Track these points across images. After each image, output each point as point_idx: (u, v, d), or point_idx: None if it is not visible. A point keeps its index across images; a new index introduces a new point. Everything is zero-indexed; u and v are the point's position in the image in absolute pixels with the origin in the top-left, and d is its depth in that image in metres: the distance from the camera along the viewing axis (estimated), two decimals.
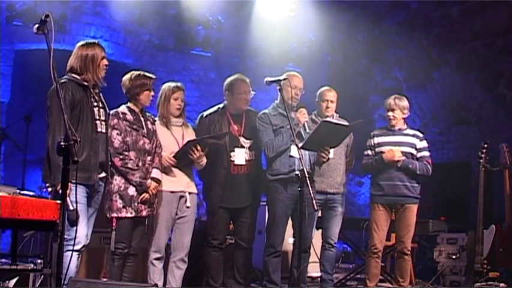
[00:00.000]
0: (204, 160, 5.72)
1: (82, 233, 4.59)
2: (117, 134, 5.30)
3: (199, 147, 5.64)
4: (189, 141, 5.65)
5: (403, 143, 6.34)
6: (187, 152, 5.62)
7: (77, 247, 4.51)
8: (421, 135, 6.47)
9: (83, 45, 4.94)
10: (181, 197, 5.71)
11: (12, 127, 7.83)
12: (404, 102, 6.39)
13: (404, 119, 6.44)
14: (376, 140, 6.44)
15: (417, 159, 6.34)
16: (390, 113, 6.38)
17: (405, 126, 6.45)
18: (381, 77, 11.26)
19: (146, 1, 10.01)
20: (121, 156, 5.29)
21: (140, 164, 5.37)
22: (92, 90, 4.89)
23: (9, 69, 9.15)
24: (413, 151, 6.34)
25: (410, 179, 6.29)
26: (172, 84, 5.85)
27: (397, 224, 6.35)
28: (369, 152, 6.48)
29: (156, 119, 5.78)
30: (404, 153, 6.27)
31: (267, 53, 10.56)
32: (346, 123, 6.20)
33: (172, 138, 5.74)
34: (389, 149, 6.28)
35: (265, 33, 10.66)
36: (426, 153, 6.40)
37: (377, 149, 6.40)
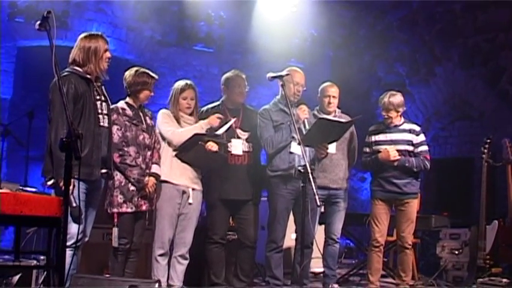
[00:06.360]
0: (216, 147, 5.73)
1: (74, 229, 4.43)
2: (117, 129, 5.29)
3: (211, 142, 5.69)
4: (195, 135, 5.66)
5: (399, 140, 6.31)
6: (193, 144, 5.63)
7: (68, 243, 4.28)
8: (418, 129, 6.42)
9: (85, 36, 4.86)
10: (184, 192, 5.71)
11: (14, 124, 7.84)
12: (399, 100, 6.33)
13: (400, 114, 6.41)
14: (373, 138, 6.43)
15: (415, 154, 6.32)
16: (385, 113, 6.36)
17: (401, 121, 6.41)
18: (384, 72, 11.27)
19: None
20: (120, 152, 5.29)
21: (140, 159, 5.37)
22: (94, 84, 4.84)
23: (12, 66, 9.15)
24: (410, 148, 6.31)
25: (408, 176, 6.27)
26: (182, 83, 5.85)
27: (397, 219, 6.36)
28: (367, 149, 6.48)
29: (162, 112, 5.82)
30: (400, 152, 6.23)
31: (269, 49, 10.55)
32: (343, 120, 6.19)
33: None
34: (385, 148, 6.26)
35: (267, 29, 10.67)
36: (424, 148, 6.37)
37: (374, 148, 6.39)
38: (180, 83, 5.85)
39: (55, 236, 4.49)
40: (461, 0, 9.89)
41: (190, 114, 5.83)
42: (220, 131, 5.76)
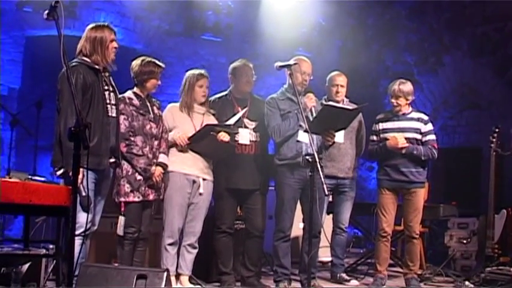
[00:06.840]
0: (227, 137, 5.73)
1: (83, 218, 4.46)
2: (124, 119, 5.29)
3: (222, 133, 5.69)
4: (207, 125, 5.67)
5: (407, 128, 6.27)
6: (205, 134, 5.63)
7: (76, 232, 4.22)
8: (426, 118, 6.37)
9: (92, 27, 4.88)
10: (194, 182, 5.72)
11: (23, 113, 7.87)
12: (409, 88, 6.29)
13: (408, 103, 6.37)
14: (381, 125, 6.38)
15: (422, 143, 6.30)
16: (394, 100, 6.31)
17: (410, 110, 6.36)
18: (392, 61, 11.23)
19: None
20: (127, 142, 5.29)
21: (147, 149, 5.38)
22: (102, 74, 4.85)
23: (20, 56, 9.18)
24: (418, 136, 6.27)
25: (415, 164, 6.23)
26: (197, 71, 5.87)
27: (404, 209, 6.34)
28: (374, 137, 6.44)
29: (176, 104, 5.83)
30: (408, 139, 6.19)
31: (277, 38, 10.50)
32: (350, 107, 6.18)
33: (191, 125, 5.75)
34: (393, 136, 6.23)
35: (275, 18, 10.63)
36: (431, 137, 6.33)
37: (382, 135, 6.35)
38: (195, 72, 5.87)
39: (64, 225, 4.52)
40: None
41: (202, 104, 5.83)
42: (230, 121, 5.77)
